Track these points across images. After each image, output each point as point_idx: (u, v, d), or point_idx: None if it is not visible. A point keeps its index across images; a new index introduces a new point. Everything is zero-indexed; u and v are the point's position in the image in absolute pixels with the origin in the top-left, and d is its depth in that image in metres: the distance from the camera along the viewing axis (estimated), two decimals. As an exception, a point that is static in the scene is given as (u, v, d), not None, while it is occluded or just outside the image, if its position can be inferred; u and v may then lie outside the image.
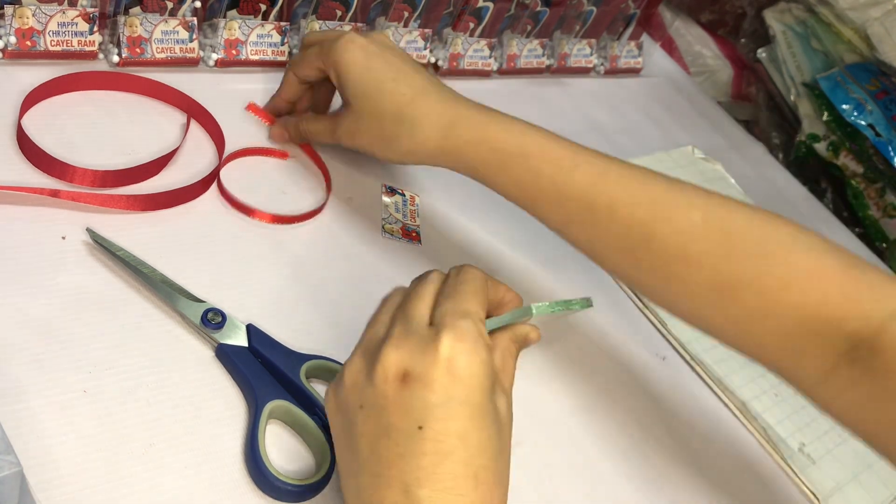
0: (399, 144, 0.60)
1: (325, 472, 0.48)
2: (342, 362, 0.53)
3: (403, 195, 0.73)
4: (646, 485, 0.62)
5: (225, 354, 0.52)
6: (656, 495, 0.61)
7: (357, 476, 0.43)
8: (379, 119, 0.60)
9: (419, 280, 0.48)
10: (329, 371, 0.54)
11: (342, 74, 0.62)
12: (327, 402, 0.46)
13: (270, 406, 0.50)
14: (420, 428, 0.41)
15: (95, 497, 0.44)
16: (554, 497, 0.57)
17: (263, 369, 0.52)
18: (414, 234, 0.70)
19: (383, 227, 0.69)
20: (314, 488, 0.48)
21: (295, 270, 0.61)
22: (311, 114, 0.69)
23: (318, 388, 0.53)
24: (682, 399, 0.70)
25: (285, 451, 0.50)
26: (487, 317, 0.47)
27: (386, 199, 0.72)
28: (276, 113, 0.70)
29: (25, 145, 0.57)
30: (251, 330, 0.53)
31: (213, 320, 0.52)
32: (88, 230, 0.54)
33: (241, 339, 0.53)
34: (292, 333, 0.56)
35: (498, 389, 0.44)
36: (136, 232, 0.56)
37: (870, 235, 1.17)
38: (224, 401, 0.51)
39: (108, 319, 0.51)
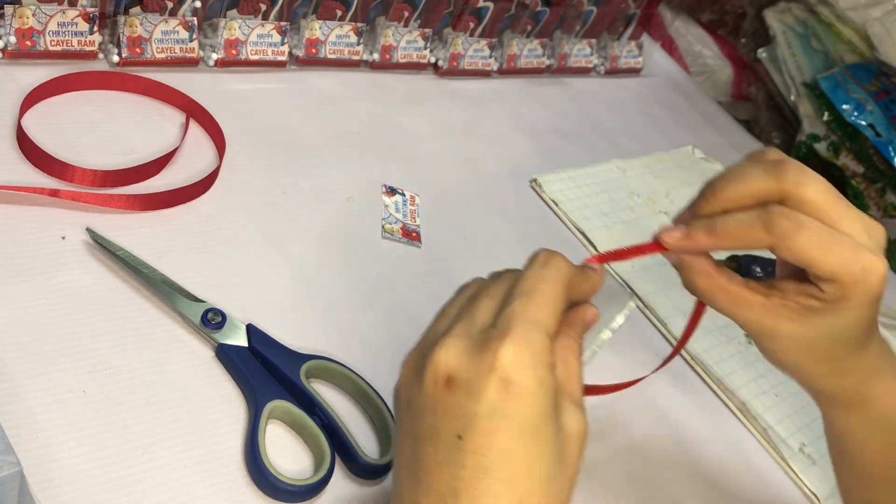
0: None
1: (325, 473, 0.48)
2: (342, 362, 0.53)
3: (403, 195, 0.73)
4: (646, 485, 0.61)
5: (225, 354, 0.52)
6: (656, 495, 0.61)
7: (401, 475, 0.40)
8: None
9: (498, 273, 0.43)
10: (329, 371, 0.54)
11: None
12: (394, 391, 0.43)
13: (270, 406, 0.50)
14: (460, 437, 0.37)
15: (95, 497, 0.44)
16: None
17: (263, 369, 0.52)
18: (414, 234, 0.70)
19: (383, 227, 0.69)
20: (314, 489, 0.48)
21: (295, 270, 0.61)
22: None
23: (318, 388, 0.53)
24: (683, 399, 0.70)
25: (285, 451, 0.50)
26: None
27: (386, 199, 0.72)
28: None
29: (25, 145, 0.57)
30: (251, 330, 0.53)
31: (213, 320, 0.52)
32: (88, 230, 0.54)
33: (241, 339, 0.53)
34: (292, 333, 0.56)
35: (565, 404, 0.40)
36: (135, 232, 0.56)
37: (870, 235, 1.17)
38: (224, 401, 0.51)
39: (108, 319, 0.51)
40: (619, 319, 0.48)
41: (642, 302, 0.77)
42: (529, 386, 0.37)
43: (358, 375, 0.54)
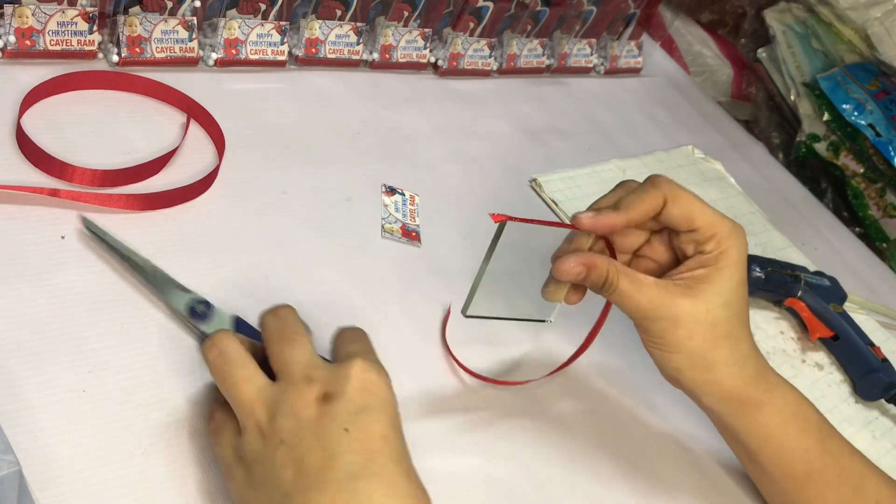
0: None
1: None
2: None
3: (403, 195, 0.73)
4: (646, 485, 0.61)
5: None
6: (656, 495, 0.61)
7: None
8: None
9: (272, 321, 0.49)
10: None
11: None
12: (223, 471, 0.45)
13: None
14: (346, 430, 0.42)
15: (95, 497, 0.44)
16: (553, 496, 0.57)
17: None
18: (414, 234, 0.70)
19: (383, 227, 0.69)
20: None
21: (295, 271, 0.61)
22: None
23: None
24: (683, 399, 0.70)
25: None
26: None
27: (386, 199, 0.72)
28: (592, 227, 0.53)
29: (25, 145, 0.57)
30: (237, 321, 0.53)
31: (199, 311, 0.52)
32: (83, 219, 0.54)
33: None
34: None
35: None
36: (135, 231, 0.56)
37: (870, 235, 1.17)
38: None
39: (108, 319, 0.51)
40: None
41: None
42: (382, 385, 0.45)
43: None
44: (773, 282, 0.82)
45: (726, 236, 0.53)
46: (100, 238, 0.53)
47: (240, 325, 0.53)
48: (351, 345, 0.48)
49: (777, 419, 0.56)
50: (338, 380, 0.44)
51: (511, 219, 0.49)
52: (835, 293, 0.84)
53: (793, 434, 0.56)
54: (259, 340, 0.51)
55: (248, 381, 0.44)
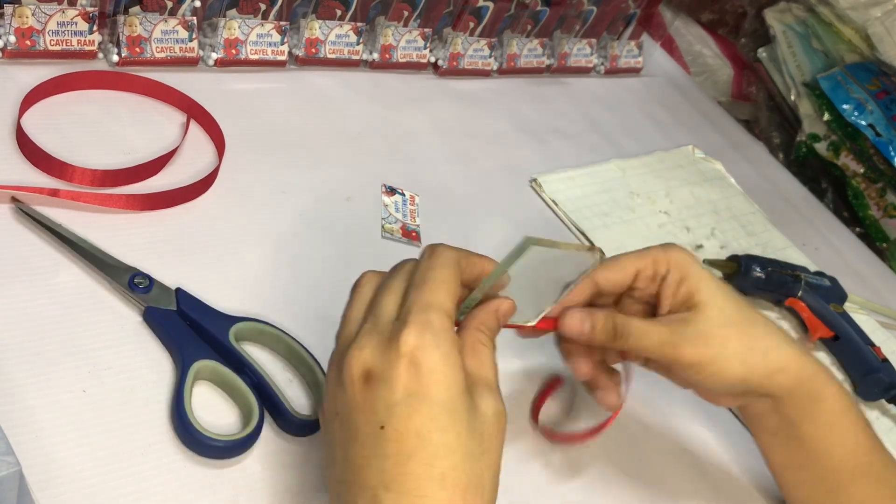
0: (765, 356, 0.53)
1: (253, 428, 0.48)
2: (275, 324, 0.53)
3: (403, 195, 0.73)
4: (646, 485, 0.61)
5: (152, 317, 0.52)
6: (657, 496, 0.61)
7: (334, 486, 0.42)
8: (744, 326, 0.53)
9: (391, 270, 0.46)
10: (260, 332, 0.54)
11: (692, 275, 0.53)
12: (321, 410, 0.45)
13: (197, 366, 0.49)
14: (382, 428, 0.39)
15: (95, 497, 0.44)
16: (552, 494, 0.57)
17: (191, 331, 0.52)
18: (414, 234, 0.70)
19: (383, 227, 0.69)
20: (242, 443, 0.48)
21: (295, 270, 0.61)
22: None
23: (250, 350, 0.53)
24: (683, 399, 0.70)
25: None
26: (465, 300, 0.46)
27: (386, 199, 0.72)
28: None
29: (25, 145, 0.57)
30: (179, 294, 0.53)
31: (140, 284, 0.52)
32: (13, 198, 0.53)
33: (171, 304, 0.53)
34: (293, 332, 0.56)
35: (479, 386, 0.42)
36: (135, 231, 0.56)
37: (870, 235, 1.17)
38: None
39: (108, 319, 0.51)
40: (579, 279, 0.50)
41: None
42: (437, 364, 0.40)
43: (290, 336, 0.54)
44: (773, 282, 0.82)
45: (673, 265, 0.53)
46: (32, 218, 0.53)
47: (182, 298, 0.53)
48: (414, 292, 0.42)
49: (839, 405, 0.55)
50: (385, 353, 0.40)
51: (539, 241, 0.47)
52: (835, 293, 0.84)
53: (851, 425, 0.56)
54: (200, 311, 0.52)
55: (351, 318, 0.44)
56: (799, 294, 0.82)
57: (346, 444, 0.41)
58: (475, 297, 0.46)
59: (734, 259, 0.83)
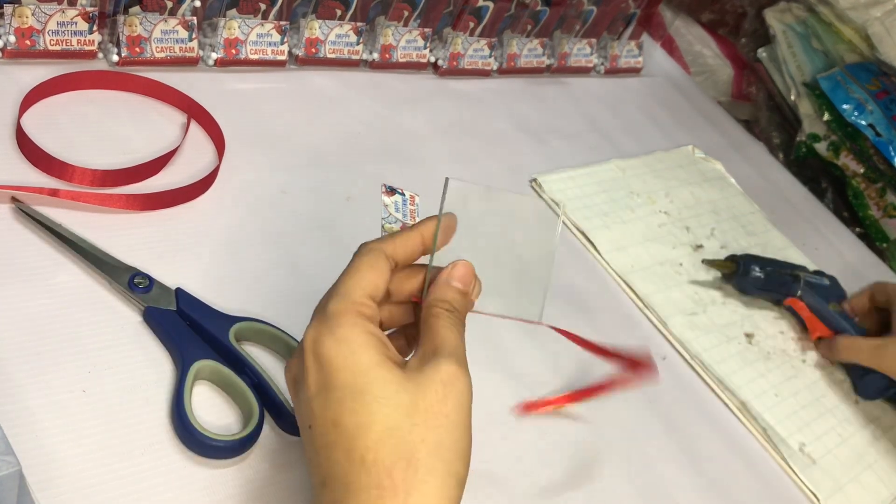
0: None
1: (253, 428, 0.48)
2: (275, 324, 0.53)
3: (403, 195, 0.73)
4: (646, 485, 0.61)
5: (152, 318, 0.52)
6: (657, 495, 0.61)
7: None
8: None
9: None
10: (260, 332, 0.54)
11: None
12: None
13: (197, 366, 0.49)
14: (310, 427, 0.40)
15: (95, 497, 0.43)
16: (554, 494, 0.57)
17: (191, 331, 0.52)
18: (414, 234, 0.70)
19: (383, 227, 0.69)
20: (242, 444, 0.48)
21: (295, 270, 0.61)
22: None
23: (250, 350, 0.53)
24: (683, 399, 0.70)
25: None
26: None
27: (386, 198, 0.72)
28: None
29: (25, 145, 0.57)
30: (179, 294, 0.53)
31: (140, 284, 0.52)
32: (13, 198, 0.53)
33: (171, 304, 0.53)
34: (292, 332, 0.56)
35: (427, 356, 0.41)
36: (135, 231, 0.56)
37: (870, 235, 1.17)
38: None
39: (107, 319, 0.51)
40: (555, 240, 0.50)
41: (642, 302, 0.77)
42: (332, 350, 0.39)
43: (290, 336, 0.54)
44: (772, 281, 0.82)
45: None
46: (32, 218, 0.53)
47: (181, 298, 0.53)
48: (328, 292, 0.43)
49: None
50: (299, 356, 0.41)
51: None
52: (834, 292, 0.84)
53: None
54: (200, 311, 0.52)
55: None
56: (798, 294, 0.82)
57: (305, 451, 0.42)
58: (431, 266, 0.45)
59: (733, 259, 0.83)
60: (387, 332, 0.44)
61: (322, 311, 0.41)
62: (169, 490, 0.45)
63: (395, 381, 0.39)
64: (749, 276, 0.81)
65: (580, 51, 1.03)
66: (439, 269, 0.45)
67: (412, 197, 0.74)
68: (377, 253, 0.44)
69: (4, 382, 0.45)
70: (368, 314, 0.41)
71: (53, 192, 0.54)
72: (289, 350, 0.54)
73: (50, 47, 0.63)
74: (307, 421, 0.40)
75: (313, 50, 0.78)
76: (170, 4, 0.67)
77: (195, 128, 0.66)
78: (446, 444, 0.39)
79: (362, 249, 0.45)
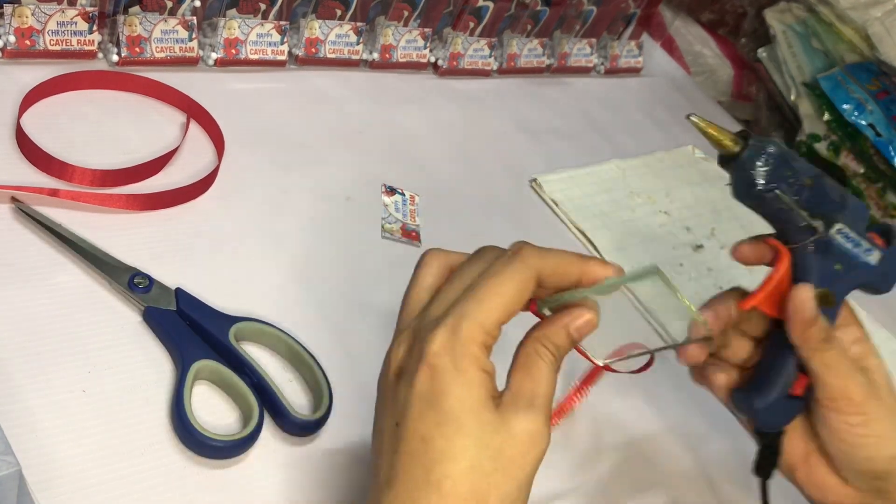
0: None
1: (253, 428, 0.48)
2: (275, 324, 0.53)
3: (403, 195, 0.73)
4: (646, 485, 0.61)
5: (151, 318, 0.52)
6: (657, 496, 0.61)
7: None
8: None
9: (471, 257, 0.44)
10: (261, 333, 0.54)
11: None
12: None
13: (197, 366, 0.49)
14: (397, 425, 0.40)
15: (95, 497, 0.43)
16: (549, 494, 0.57)
17: (191, 331, 0.52)
18: (414, 234, 0.70)
19: (383, 227, 0.69)
20: (242, 444, 0.48)
21: (294, 270, 0.61)
22: None
23: (249, 350, 0.53)
24: (683, 399, 0.70)
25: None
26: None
27: (386, 198, 0.72)
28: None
29: (25, 145, 0.57)
30: (179, 294, 0.53)
31: (140, 284, 0.52)
32: (13, 198, 0.53)
33: (170, 304, 0.53)
34: (292, 331, 0.56)
35: (518, 403, 0.40)
36: (134, 231, 0.56)
37: (870, 235, 1.17)
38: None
39: (107, 319, 0.51)
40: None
41: (643, 306, 0.77)
42: (450, 375, 0.39)
43: (290, 336, 0.54)
44: (779, 209, 0.49)
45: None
46: (32, 218, 0.53)
47: (181, 298, 0.53)
48: (468, 292, 0.41)
49: None
50: (413, 352, 0.40)
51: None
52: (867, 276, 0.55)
53: None
54: (199, 311, 0.52)
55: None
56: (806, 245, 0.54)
57: (375, 432, 0.42)
58: (562, 298, 0.42)
59: (742, 136, 0.48)
60: None
61: (456, 328, 0.39)
62: (169, 490, 0.45)
63: (491, 424, 0.39)
64: (747, 173, 0.48)
65: (580, 51, 1.03)
66: (562, 304, 0.43)
67: (412, 197, 0.75)
68: (531, 274, 0.41)
69: (4, 382, 0.45)
70: (491, 344, 0.41)
71: (53, 192, 0.54)
72: (289, 350, 0.54)
73: (50, 47, 0.63)
74: (397, 417, 0.40)
75: (313, 50, 0.78)
76: (170, 4, 0.67)
77: (195, 128, 0.66)
78: (513, 497, 0.40)
79: (522, 254, 0.42)
